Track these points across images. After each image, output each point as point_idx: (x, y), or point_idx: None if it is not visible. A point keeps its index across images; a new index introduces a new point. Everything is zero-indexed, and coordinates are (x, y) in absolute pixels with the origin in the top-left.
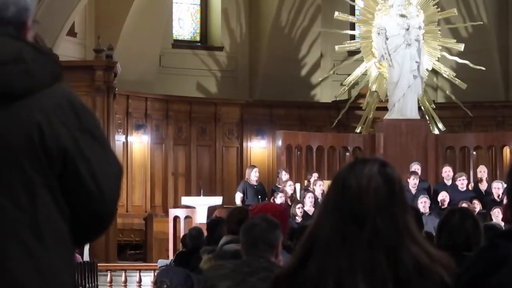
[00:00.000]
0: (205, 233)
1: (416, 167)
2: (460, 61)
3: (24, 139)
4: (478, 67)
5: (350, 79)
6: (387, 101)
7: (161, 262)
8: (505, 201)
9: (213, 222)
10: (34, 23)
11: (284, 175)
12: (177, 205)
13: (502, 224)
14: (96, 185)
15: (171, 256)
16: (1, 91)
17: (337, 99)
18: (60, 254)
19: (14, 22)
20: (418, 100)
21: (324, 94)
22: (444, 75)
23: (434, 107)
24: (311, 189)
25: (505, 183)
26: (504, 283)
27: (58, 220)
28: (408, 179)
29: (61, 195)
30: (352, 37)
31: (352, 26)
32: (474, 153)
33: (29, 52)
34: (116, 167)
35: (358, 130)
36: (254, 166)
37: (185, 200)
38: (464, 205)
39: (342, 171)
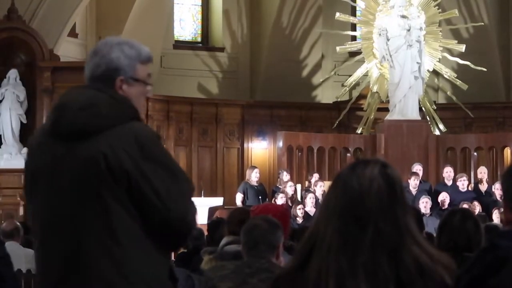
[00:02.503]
0: (206, 234)
1: (417, 167)
2: (461, 62)
3: (94, 164)
4: (479, 68)
5: (351, 80)
6: (388, 102)
7: None
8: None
9: (214, 223)
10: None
11: (285, 176)
12: None
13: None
14: (160, 200)
15: (172, 257)
16: (78, 129)
17: (338, 100)
18: (134, 248)
19: (103, 79)
20: (419, 101)
21: (325, 95)
22: (445, 76)
23: (435, 108)
24: (312, 190)
25: (501, 183)
26: (505, 283)
27: (128, 221)
28: (409, 180)
29: (131, 204)
30: (353, 38)
31: (353, 27)
32: (475, 154)
33: (103, 99)
34: (183, 186)
35: (359, 131)
36: (255, 167)
37: None
38: (465, 206)
39: (343, 173)
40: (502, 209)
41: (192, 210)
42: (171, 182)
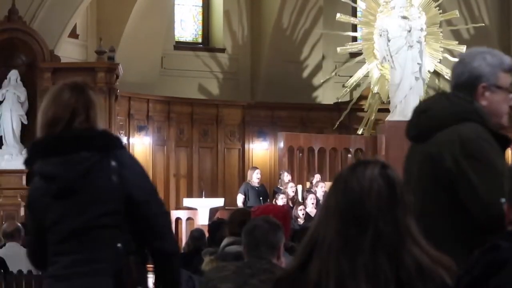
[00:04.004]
0: (207, 235)
1: None
2: None
3: (422, 166)
4: None
5: (352, 80)
6: (389, 102)
7: None
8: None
9: (214, 224)
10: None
11: (286, 177)
12: (178, 206)
13: None
14: (484, 200)
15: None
16: (418, 133)
17: (339, 100)
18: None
19: (466, 86)
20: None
21: (326, 95)
22: (446, 77)
23: None
24: (313, 191)
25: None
26: (505, 285)
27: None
28: None
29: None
30: (354, 39)
31: (354, 28)
32: None
33: (444, 102)
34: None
35: (360, 132)
36: (255, 168)
37: (187, 201)
38: None
39: (343, 174)
40: None
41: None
42: (488, 178)
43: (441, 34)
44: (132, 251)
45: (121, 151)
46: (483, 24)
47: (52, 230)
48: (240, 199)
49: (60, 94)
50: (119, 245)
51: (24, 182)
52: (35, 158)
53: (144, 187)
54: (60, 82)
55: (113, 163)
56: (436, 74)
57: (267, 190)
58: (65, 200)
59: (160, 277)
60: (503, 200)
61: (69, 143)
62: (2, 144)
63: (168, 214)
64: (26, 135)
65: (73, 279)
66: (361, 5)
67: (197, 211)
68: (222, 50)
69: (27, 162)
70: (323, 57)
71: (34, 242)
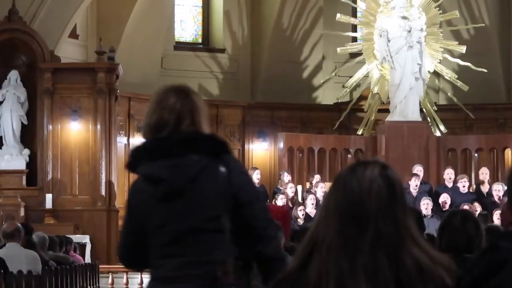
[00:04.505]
0: None
1: (418, 169)
2: (462, 63)
3: None
4: (480, 69)
5: (352, 81)
6: (388, 103)
7: None
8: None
9: None
10: None
11: (286, 177)
12: None
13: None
14: None
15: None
16: None
17: (339, 101)
18: None
19: None
20: (420, 102)
21: (326, 96)
22: (446, 77)
23: (436, 109)
24: (313, 191)
25: (505, 185)
26: (505, 284)
27: None
28: (409, 181)
29: None
30: (354, 39)
31: (354, 28)
32: (476, 155)
33: None
34: None
35: (360, 132)
36: (255, 168)
37: None
38: (466, 207)
39: (343, 174)
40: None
41: None
42: None
43: (441, 34)
44: (235, 255)
45: (228, 155)
46: (483, 25)
47: (156, 233)
48: None
49: (165, 98)
50: (223, 248)
51: (24, 182)
52: (140, 161)
53: (249, 191)
54: (163, 86)
55: (222, 168)
56: (436, 74)
57: (267, 191)
58: (171, 203)
59: (264, 282)
60: None
61: (178, 146)
62: (2, 145)
63: (271, 220)
64: (26, 135)
65: (179, 282)
66: (361, 6)
67: None
68: (222, 51)
69: (130, 166)
70: (323, 58)
71: (132, 243)
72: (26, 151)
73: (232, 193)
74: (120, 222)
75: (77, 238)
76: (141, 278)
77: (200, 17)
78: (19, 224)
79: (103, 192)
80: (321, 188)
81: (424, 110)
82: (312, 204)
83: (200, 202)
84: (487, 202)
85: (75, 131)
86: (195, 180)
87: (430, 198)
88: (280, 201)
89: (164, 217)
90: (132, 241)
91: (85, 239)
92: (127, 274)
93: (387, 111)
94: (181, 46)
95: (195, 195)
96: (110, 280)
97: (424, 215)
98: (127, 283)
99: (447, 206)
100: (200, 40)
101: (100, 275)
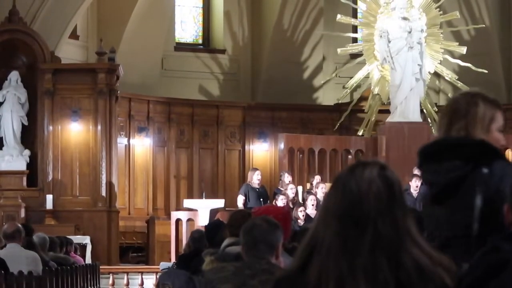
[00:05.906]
0: None
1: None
2: (462, 64)
3: None
4: (480, 70)
5: (352, 82)
6: (389, 104)
7: (163, 265)
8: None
9: (212, 225)
10: None
11: (287, 178)
12: (179, 207)
13: None
14: None
15: (173, 259)
16: None
17: (339, 102)
18: None
19: None
20: (420, 103)
21: (326, 97)
22: (446, 78)
23: (436, 109)
24: (314, 192)
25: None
26: (506, 286)
27: None
28: (410, 182)
29: None
30: (355, 40)
31: (355, 29)
32: None
33: None
34: None
35: (360, 133)
36: (256, 169)
37: (187, 202)
38: None
39: (342, 175)
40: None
41: None
42: None
43: (441, 35)
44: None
45: (497, 161)
46: (484, 25)
47: (429, 237)
48: (240, 200)
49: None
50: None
51: (24, 183)
52: (422, 163)
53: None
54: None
55: (485, 174)
56: (436, 75)
57: (267, 192)
58: (439, 207)
59: None
60: None
61: (444, 151)
62: (3, 145)
63: None
64: (26, 136)
65: None
66: (361, 7)
67: (197, 212)
68: (223, 51)
69: (419, 166)
70: (324, 58)
71: None
72: (27, 152)
73: (495, 202)
74: (121, 223)
75: (77, 239)
76: (142, 279)
77: (200, 18)
78: (19, 225)
79: (103, 193)
80: (322, 189)
81: (424, 110)
82: (313, 205)
83: (459, 208)
84: None
85: (75, 131)
86: (455, 185)
87: None
88: (281, 202)
89: (434, 220)
90: None
91: (86, 240)
92: (127, 275)
93: (387, 112)
94: (181, 46)
95: (456, 200)
96: (110, 281)
97: None
98: (127, 284)
99: None
100: (200, 41)
101: (100, 276)
